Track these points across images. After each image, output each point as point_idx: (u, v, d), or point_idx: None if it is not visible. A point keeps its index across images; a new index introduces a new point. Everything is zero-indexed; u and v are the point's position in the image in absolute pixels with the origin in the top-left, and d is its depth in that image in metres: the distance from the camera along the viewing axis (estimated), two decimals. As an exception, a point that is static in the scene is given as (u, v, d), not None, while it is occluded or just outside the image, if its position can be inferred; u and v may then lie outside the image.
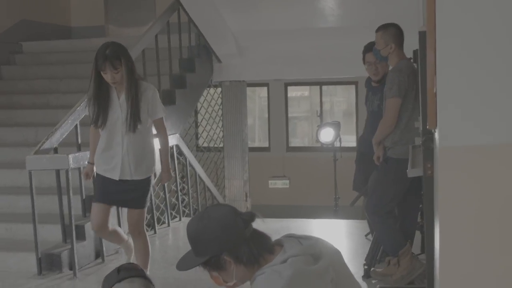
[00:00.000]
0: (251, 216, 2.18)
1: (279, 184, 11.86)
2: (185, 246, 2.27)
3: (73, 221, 5.10)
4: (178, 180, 6.98)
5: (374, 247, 4.83)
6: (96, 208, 4.47)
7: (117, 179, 4.35)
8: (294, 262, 2.11)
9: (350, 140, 11.40)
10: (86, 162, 4.74)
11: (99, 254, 5.49)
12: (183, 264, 2.24)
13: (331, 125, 8.87)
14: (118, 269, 2.35)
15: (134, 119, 4.22)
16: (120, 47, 4.23)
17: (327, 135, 8.79)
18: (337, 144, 8.93)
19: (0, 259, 5.26)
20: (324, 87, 13.06)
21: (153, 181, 4.64)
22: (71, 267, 5.14)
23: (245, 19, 7.51)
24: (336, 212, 8.98)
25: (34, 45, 8.78)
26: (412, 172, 3.74)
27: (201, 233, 2.15)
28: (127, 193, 4.40)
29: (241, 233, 2.14)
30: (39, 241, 5.11)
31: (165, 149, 4.57)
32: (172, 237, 6.47)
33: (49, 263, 5.15)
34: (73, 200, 5.16)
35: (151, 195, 4.67)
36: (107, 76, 4.18)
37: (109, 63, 4.12)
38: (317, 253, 2.20)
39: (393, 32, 4.46)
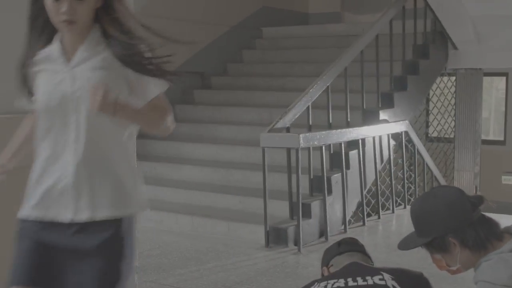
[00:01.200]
0: (480, 199, 2.10)
1: (514, 180, 11.17)
2: (408, 233, 2.24)
3: (300, 198, 5.29)
4: (405, 168, 6.89)
5: None
6: None
7: (70, 219, 2.15)
8: (525, 252, 2.00)
9: None
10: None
11: (323, 233, 5.63)
12: (405, 244, 2.22)
13: None
14: (339, 243, 2.41)
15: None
16: None
17: None
18: None
19: (233, 229, 5.65)
20: None
21: (135, 232, 2.29)
22: (296, 242, 5.35)
23: (486, 3, 7.14)
24: None
25: (273, 30, 9.20)
26: None
27: (427, 212, 2.12)
28: (85, 256, 2.15)
29: (468, 215, 2.07)
30: (268, 215, 5.39)
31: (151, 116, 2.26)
32: (395, 223, 6.42)
33: (276, 236, 5.42)
34: (301, 179, 5.34)
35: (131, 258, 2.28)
36: (61, 6, 2.07)
37: None
38: (550, 245, 2.06)
39: None
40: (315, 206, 5.62)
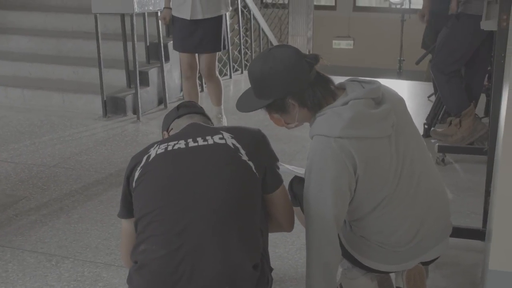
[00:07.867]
0: (315, 58, 2.11)
1: (343, 44, 11.65)
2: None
3: (137, 66, 5.17)
4: (242, 33, 6.92)
5: (436, 107, 4.75)
6: (182, 56, 4.52)
7: (189, 18, 4.25)
8: (355, 104, 2.08)
9: (420, 2, 10.93)
10: (163, 8, 4.60)
11: (162, 100, 5.60)
12: (245, 106, 2.22)
13: (401, -16, 8.52)
14: (178, 106, 2.37)
15: None
16: None
17: (396, -6, 8.47)
18: (406, 5, 8.62)
19: (68, 100, 5.45)
20: None
21: (227, 22, 4.53)
22: (135, 111, 5.28)
23: None
24: (400, 74, 8.84)
25: None
26: (486, 25, 3.52)
27: (266, 76, 2.09)
28: (200, 36, 4.32)
29: (306, 75, 2.09)
30: (104, 85, 5.24)
31: None
32: (233, 89, 6.51)
33: (114, 106, 5.31)
34: (137, 46, 5.19)
35: (225, 38, 4.48)
36: None
37: None
38: (379, 97, 2.17)
39: None
40: (153, 73, 5.54)
